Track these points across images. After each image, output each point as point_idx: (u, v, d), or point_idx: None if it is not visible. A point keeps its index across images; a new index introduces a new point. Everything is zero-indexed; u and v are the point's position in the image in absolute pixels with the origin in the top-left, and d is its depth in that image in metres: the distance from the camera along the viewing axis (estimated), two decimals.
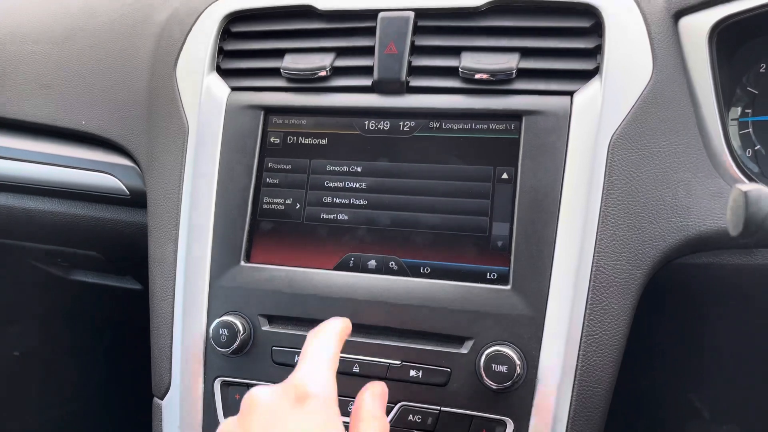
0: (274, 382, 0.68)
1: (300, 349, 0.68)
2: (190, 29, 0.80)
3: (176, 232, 0.75)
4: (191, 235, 0.74)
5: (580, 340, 0.62)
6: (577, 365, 0.62)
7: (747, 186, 0.47)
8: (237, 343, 0.68)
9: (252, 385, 0.70)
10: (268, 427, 0.48)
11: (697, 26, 0.65)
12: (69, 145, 0.87)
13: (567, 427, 0.62)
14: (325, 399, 0.50)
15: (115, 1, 0.90)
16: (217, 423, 0.71)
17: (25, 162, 0.88)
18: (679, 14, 0.66)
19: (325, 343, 0.55)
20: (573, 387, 0.62)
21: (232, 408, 0.72)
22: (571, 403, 0.62)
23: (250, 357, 0.70)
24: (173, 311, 0.74)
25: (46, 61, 0.89)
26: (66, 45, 0.89)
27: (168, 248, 0.75)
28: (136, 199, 0.84)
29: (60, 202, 0.88)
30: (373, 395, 0.56)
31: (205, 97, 0.76)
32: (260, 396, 0.50)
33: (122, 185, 0.84)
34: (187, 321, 0.73)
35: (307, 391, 0.50)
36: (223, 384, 0.72)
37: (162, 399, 0.75)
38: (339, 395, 0.67)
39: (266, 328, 0.70)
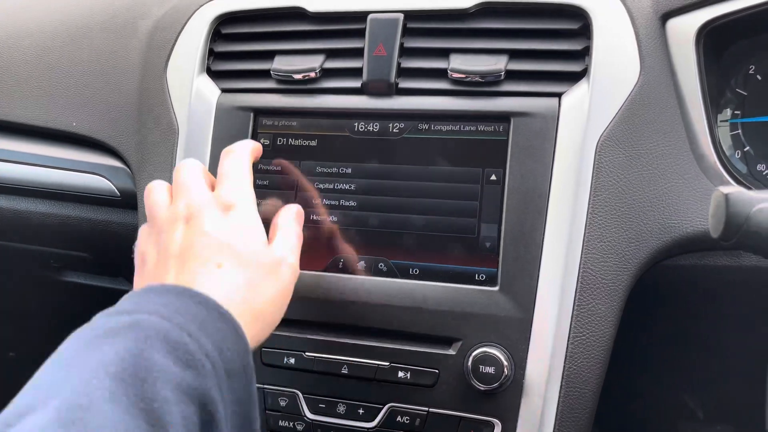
0: (263, 384, 0.69)
1: (290, 350, 0.69)
2: (181, 31, 0.80)
3: None
4: None
5: (567, 341, 0.63)
6: (564, 366, 0.62)
7: (728, 189, 0.47)
8: None
9: None
10: (196, 228, 0.55)
11: (685, 28, 0.66)
12: (59, 146, 0.87)
13: (554, 427, 0.63)
14: (246, 206, 0.58)
15: (106, 2, 0.90)
16: None
17: (16, 163, 0.88)
18: (666, 16, 0.66)
19: (238, 160, 0.61)
20: (560, 388, 0.63)
21: None
22: (558, 404, 0.63)
23: None
24: None
25: (37, 62, 0.89)
26: (56, 46, 0.89)
27: None
28: (127, 200, 0.84)
29: (50, 203, 0.88)
30: (288, 211, 0.64)
31: (195, 98, 0.77)
32: (194, 204, 0.57)
33: (113, 186, 0.84)
34: None
35: (231, 201, 0.57)
36: None
37: None
38: (326, 395, 0.68)
39: None
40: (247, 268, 0.55)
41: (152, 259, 0.57)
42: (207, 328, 0.46)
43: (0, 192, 0.90)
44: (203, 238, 0.54)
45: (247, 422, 0.48)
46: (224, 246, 0.54)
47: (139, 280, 0.59)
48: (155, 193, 0.60)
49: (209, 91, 0.77)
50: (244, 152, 0.62)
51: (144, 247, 0.59)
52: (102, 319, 0.45)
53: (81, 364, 0.39)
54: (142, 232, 0.61)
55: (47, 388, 0.38)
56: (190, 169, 0.60)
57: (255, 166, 0.73)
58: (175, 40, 0.80)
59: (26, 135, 0.88)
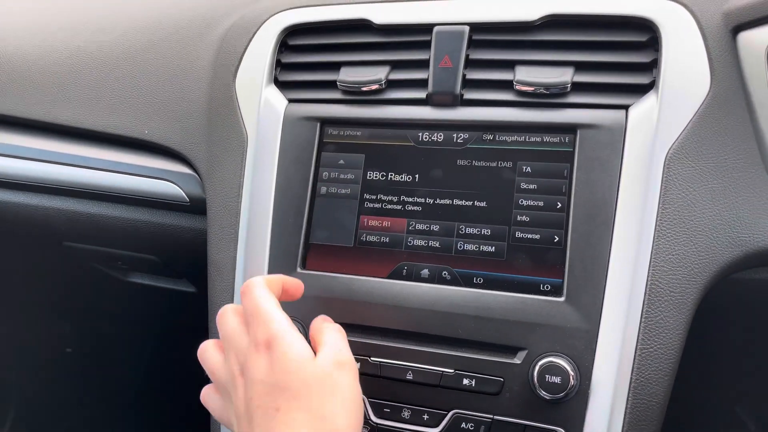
0: None
1: (355, 355, 0.70)
2: (249, 42, 0.83)
3: (235, 239, 0.77)
4: (249, 242, 0.76)
5: (635, 353, 0.63)
6: (631, 378, 0.63)
7: None
8: None
9: None
10: (251, 383, 0.56)
11: (757, 41, 0.65)
12: (132, 153, 0.90)
13: None
14: (283, 336, 0.57)
15: (177, 13, 0.94)
16: None
17: (89, 169, 0.91)
18: (737, 29, 0.66)
19: (256, 296, 0.60)
20: (627, 400, 0.63)
21: None
22: (624, 416, 0.63)
23: None
24: None
25: (110, 72, 0.93)
26: (128, 56, 0.93)
27: (227, 254, 0.78)
28: (196, 206, 0.87)
29: (123, 207, 0.92)
30: (320, 319, 0.66)
31: (263, 108, 0.79)
32: (238, 353, 0.59)
33: (182, 192, 0.87)
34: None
35: (267, 337, 0.57)
36: None
37: None
38: (390, 400, 0.70)
39: None
40: (302, 399, 0.54)
41: (233, 424, 0.59)
42: None
43: (74, 196, 0.93)
44: (256, 388, 0.56)
45: None
46: (273, 388, 0.55)
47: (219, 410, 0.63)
48: (209, 356, 0.63)
49: (277, 101, 0.79)
50: (257, 285, 0.62)
51: (221, 415, 0.63)
52: None
53: None
54: (209, 399, 0.65)
55: None
56: (227, 319, 0.62)
57: (320, 175, 0.76)
58: (244, 51, 0.83)
59: (100, 142, 0.92)
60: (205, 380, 0.79)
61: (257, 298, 0.60)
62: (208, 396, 0.64)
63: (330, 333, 0.62)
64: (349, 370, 0.58)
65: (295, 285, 0.68)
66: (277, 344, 0.56)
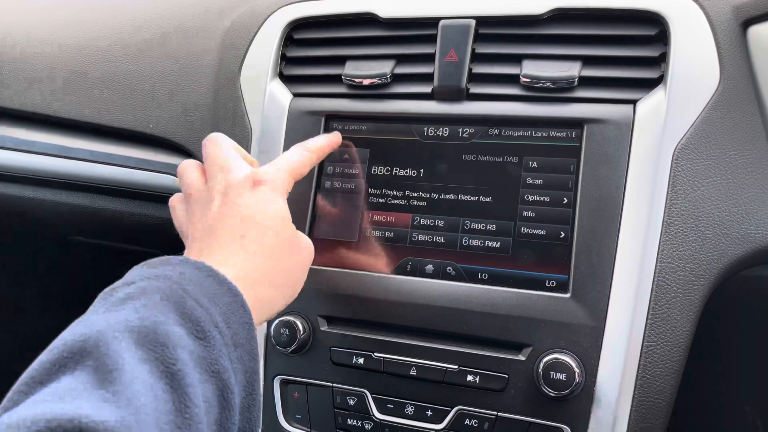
0: (333, 383, 0.71)
1: (359, 350, 0.70)
2: (254, 36, 0.82)
3: None
4: None
5: (641, 350, 0.62)
6: (637, 375, 0.62)
7: None
8: (297, 342, 0.70)
9: (310, 384, 0.72)
10: (224, 201, 0.60)
11: (766, 35, 0.64)
12: (137, 147, 0.91)
13: None
14: (275, 184, 0.62)
15: (182, 8, 0.94)
16: (276, 420, 0.73)
17: (95, 163, 0.91)
18: (747, 23, 0.65)
19: (299, 152, 0.67)
20: (633, 397, 0.62)
21: (290, 405, 0.74)
22: (630, 413, 0.62)
23: (309, 356, 0.72)
24: None
25: (115, 65, 0.93)
26: (133, 50, 0.92)
27: None
28: None
29: (127, 201, 0.92)
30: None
31: (268, 102, 0.79)
32: (225, 178, 0.61)
33: None
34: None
35: (263, 179, 0.61)
36: (282, 382, 0.74)
37: None
38: (394, 396, 0.69)
39: (325, 328, 0.72)
40: (267, 239, 0.58)
41: (191, 233, 0.62)
42: (216, 300, 0.49)
43: (79, 190, 0.94)
44: (231, 210, 0.59)
45: (251, 391, 0.50)
46: (247, 218, 0.58)
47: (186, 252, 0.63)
48: (189, 173, 0.65)
49: (282, 95, 0.79)
50: (309, 149, 0.68)
51: (180, 222, 0.65)
52: (132, 276, 0.50)
53: (108, 327, 0.42)
54: (177, 207, 0.66)
55: (78, 348, 0.40)
56: (222, 144, 0.65)
57: (324, 169, 0.76)
58: (249, 45, 0.82)
59: (106, 136, 0.92)
60: None
61: (296, 151, 0.68)
62: (176, 202, 0.66)
63: None
64: (311, 248, 0.65)
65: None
66: (267, 188, 0.61)
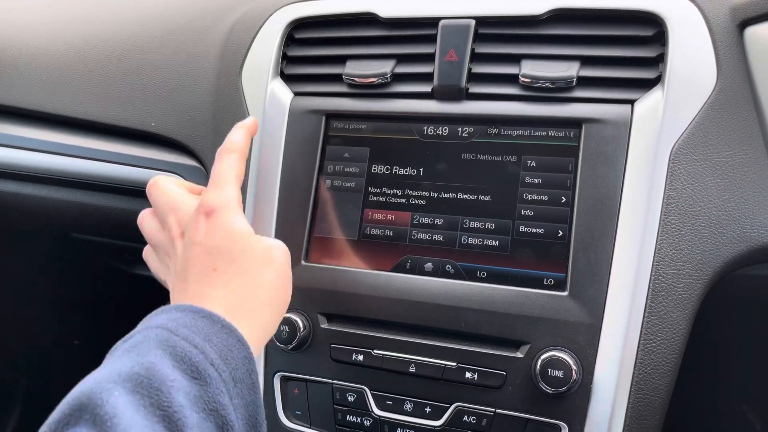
0: (332, 379, 0.72)
1: (358, 348, 0.71)
2: (255, 35, 0.83)
3: None
4: None
5: (638, 347, 0.63)
6: (633, 373, 0.63)
7: None
8: (297, 339, 0.71)
9: (310, 381, 0.73)
10: (186, 243, 0.60)
11: (764, 36, 0.65)
12: (138, 145, 0.91)
13: None
14: (227, 208, 0.60)
15: (184, 6, 0.94)
16: (276, 416, 0.74)
17: (97, 161, 0.92)
18: (744, 24, 0.66)
19: (226, 162, 0.65)
20: (629, 394, 0.63)
21: (290, 402, 0.74)
22: (627, 410, 0.63)
23: (309, 353, 0.73)
24: None
25: (117, 64, 0.93)
26: (135, 49, 0.93)
27: None
28: None
29: (128, 199, 0.92)
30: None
31: (269, 101, 0.79)
32: (180, 217, 0.62)
33: None
34: None
35: (213, 206, 0.60)
36: (283, 378, 0.74)
37: None
38: (393, 393, 0.70)
39: (325, 326, 0.73)
40: (240, 263, 0.58)
41: (169, 280, 0.62)
42: (211, 339, 0.49)
43: (81, 188, 0.94)
44: (195, 248, 0.58)
45: (254, 423, 0.50)
46: (212, 250, 0.58)
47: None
48: (146, 223, 0.66)
49: (282, 94, 0.79)
50: (232, 152, 0.66)
51: (157, 272, 0.67)
52: (132, 331, 0.50)
53: (102, 379, 0.43)
54: (150, 258, 0.68)
55: (77, 405, 0.41)
56: (164, 187, 0.65)
57: (324, 168, 0.76)
58: (250, 45, 0.83)
59: (107, 134, 0.93)
60: None
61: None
62: (148, 254, 0.67)
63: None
64: (286, 252, 0.62)
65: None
66: (221, 213, 0.60)
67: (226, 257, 0.58)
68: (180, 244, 0.61)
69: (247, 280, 0.57)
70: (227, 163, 0.65)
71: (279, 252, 0.61)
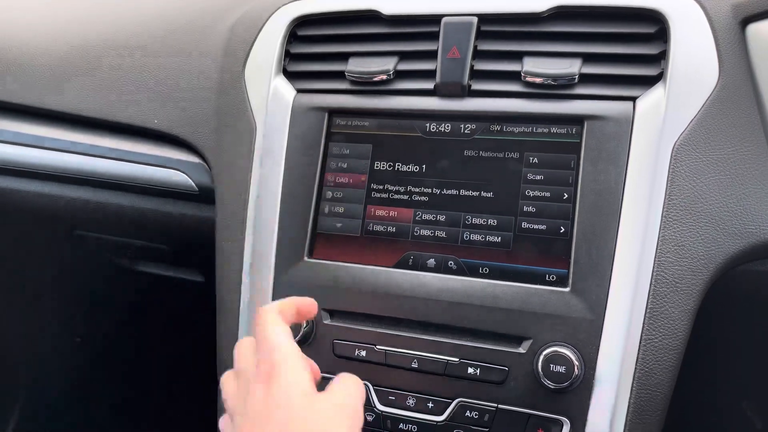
0: (335, 374, 0.72)
1: (361, 343, 0.71)
2: (258, 33, 0.83)
3: (243, 227, 0.78)
4: (257, 231, 0.77)
5: (639, 343, 0.63)
6: (635, 368, 0.63)
7: None
8: (300, 335, 0.71)
9: None
10: (255, 413, 0.52)
11: (765, 33, 0.65)
12: (141, 142, 0.91)
13: (624, 429, 0.63)
14: (286, 369, 0.53)
15: (187, 4, 0.94)
16: None
17: (98, 157, 0.92)
18: (746, 21, 0.66)
19: (268, 324, 0.57)
20: (631, 390, 0.63)
21: None
22: (629, 406, 0.63)
23: (312, 349, 0.73)
24: (239, 303, 0.77)
25: (119, 61, 0.94)
26: (138, 46, 0.93)
27: (235, 243, 0.78)
28: (204, 195, 0.87)
29: (132, 196, 0.93)
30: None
31: (272, 98, 0.80)
32: (227, 389, 0.57)
33: (191, 181, 0.88)
34: (253, 313, 0.76)
35: (269, 368, 0.53)
36: None
37: None
38: (396, 388, 0.70)
39: (328, 322, 0.73)
40: None
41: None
42: None
43: (85, 185, 0.94)
44: (250, 418, 0.52)
45: None
46: (263, 419, 0.51)
47: None
48: (225, 385, 0.59)
49: (285, 91, 0.80)
50: (268, 314, 0.58)
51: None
52: None
53: None
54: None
55: None
56: (242, 351, 0.59)
57: (328, 165, 0.76)
58: (253, 42, 0.83)
59: (111, 131, 0.93)
60: (211, 368, 0.80)
61: (265, 326, 0.57)
62: (224, 424, 0.60)
63: (346, 380, 0.57)
64: (351, 419, 0.53)
65: (308, 305, 0.64)
66: (276, 374, 0.53)
67: (272, 427, 0.50)
68: (242, 412, 0.54)
69: None
70: (269, 319, 0.57)
71: (341, 421, 0.52)
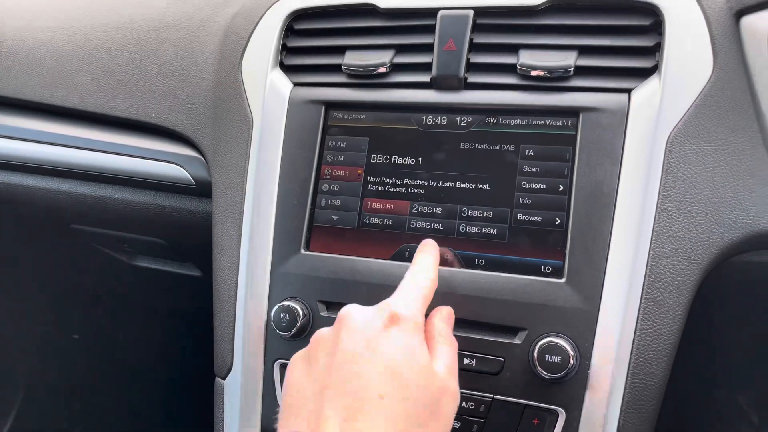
0: None
1: None
2: (255, 26, 0.83)
3: (240, 221, 0.78)
4: (254, 223, 0.77)
5: (634, 333, 0.63)
6: (630, 358, 0.63)
7: None
8: (296, 327, 0.71)
9: None
10: (361, 338, 0.51)
11: (759, 25, 0.65)
12: (138, 136, 0.92)
13: (619, 418, 0.63)
14: (413, 323, 0.54)
15: (183, 0, 0.95)
16: (276, 403, 0.75)
17: (96, 151, 0.92)
18: (740, 13, 0.66)
19: (419, 276, 0.60)
20: (626, 380, 0.63)
21: None
22: (623, 396, 0.63)
23: (309, 341, 0.73)
24: (236, 296, 0.78)
25: (117, 55, 0.94)
26: (136, 40, 0.93)
27: (232, 236, 0.79)
28: (201, 189, 0.88)
29: (129, 190, 0.93)
30: (441, 318, 0.61)
31: (269, 92, 0.80)
32: (354, 314, 0.55)
33: (188, 175, 0.88)
34: (250, 305, 0.76)
35: (397, 314, 0.53)
36: (282, 366, 0.75)
37: (224, 379, 0.78)
38: None
39: (324, 313, 0.73)
40: (411, 402, 0.49)
41: (309, 384, 0.52)
42: None
43: (82, 179, 0.95)
44: (367, 355, 0.50)
45: None
46: (388, 372, 0.49)
47: (289, 413, 0.52)
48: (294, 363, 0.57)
49: (282, 84, 0.80)
50: (428, 267, 0.61)
51: (296, 374, 0.55)
52: None
53: None
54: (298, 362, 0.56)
55: None
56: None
57: (324, 157, 0.77)
58: (250, 36, 0.84)
59: (108, 125, 0.93)
60: (208, 364, 0.80)
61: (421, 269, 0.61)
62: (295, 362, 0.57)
63: (443, 341, 0.58)
64: (456, 401, 0.54)
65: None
66: (406, 324, 0.53)
67: (399, 388, 0.49)
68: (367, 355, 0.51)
69: (410, 424, 0.48)
70: (418, 274, 0.59)
71: (449, 399, 0.53)
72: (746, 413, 1.18)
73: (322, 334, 0.56)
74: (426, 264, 0.63)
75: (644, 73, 0.68)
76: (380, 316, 0.53)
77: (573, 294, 0.65)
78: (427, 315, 0.60)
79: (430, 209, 0.72)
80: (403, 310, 0.54)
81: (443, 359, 0.56)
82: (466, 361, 0.68)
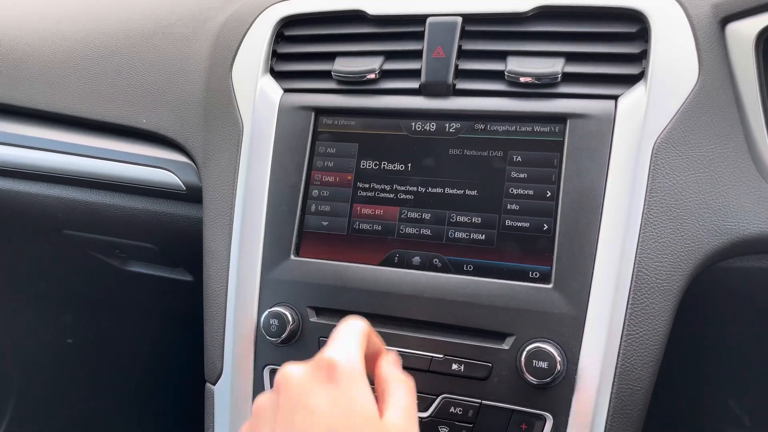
0: None
1: None
2: (245, 33, 0.84)
3: (230, 226, 0.79)
4: (244, 229, 0.77)
5: (621, 339, 0.64)
6: (617, 363, 0.64)
7: None
8: (286, 333, 0.72)
9: None
10: (298, 402, 0.49)
11: (744, 32, 0.66)
12: (129, 142, 0.92)
13: (606, 423, 0.64)
14: (353, 370, 0.50)
15: (175, 4, 0.95)
16: None
17: (88, 158, 0.93)
18: (725, 20, 0.67)
19: (353, 324, 0.56)
20: (612, 384, 0.64)
21: None
22: (610, 401, 0.64)
23: (298, 347, 0.73)
24: (226, 302, 0.78)
25: (108, 61, 0.94)
26: (127, 46, 0.94)
27: (222, 242, 0.79)
28: (192, 194, 0.88)
29: (120, 196, 0.93)
30: (388, 362, 0.57)
31: (259, 98, 0.80)
32: (290, 377, 0.51)
33: (179, 181, 0.89)
34: (240, 311, 0.76)
35: (335, 363, 0.50)
36: (272, 372, 0.75)
37: (214, 384, 0.79)
38: None
39: (314, 319, 0.73)
40: None
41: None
42: None
43: (73, 184, 0.95)
44: (309, 419, 0.47)
45: None
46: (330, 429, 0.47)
47: None
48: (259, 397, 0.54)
49: (272, 90, 0.80)
50: (359, 320, 0.57)
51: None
52: None
53: None
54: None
55: None
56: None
57: (314, 163, 0.77)
58: (240, 42, 0.84)
59: (98, 131, 0.93)
60: (200, 369, 0.81)
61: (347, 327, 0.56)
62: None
63: (396, 386, 0.54)
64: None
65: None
66: (345, 374, 0.50)
67: None
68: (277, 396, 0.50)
69: None
70: (352, 323, 0.56)
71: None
72: (738, 417, 1.18)
73: (262, 404, 0.52)
74: (353, 318, 0.58)
75: (631, 80, 0.68)
76: (317, 372, 0.50)
77: (560, 299, 0.65)
78: (367, 357, 0.55)
79: (419, 215, 0.73)
80: (340, 358, 0.51)
81: (398, 402, 0.52)
82: (454, 366, 0.68)
